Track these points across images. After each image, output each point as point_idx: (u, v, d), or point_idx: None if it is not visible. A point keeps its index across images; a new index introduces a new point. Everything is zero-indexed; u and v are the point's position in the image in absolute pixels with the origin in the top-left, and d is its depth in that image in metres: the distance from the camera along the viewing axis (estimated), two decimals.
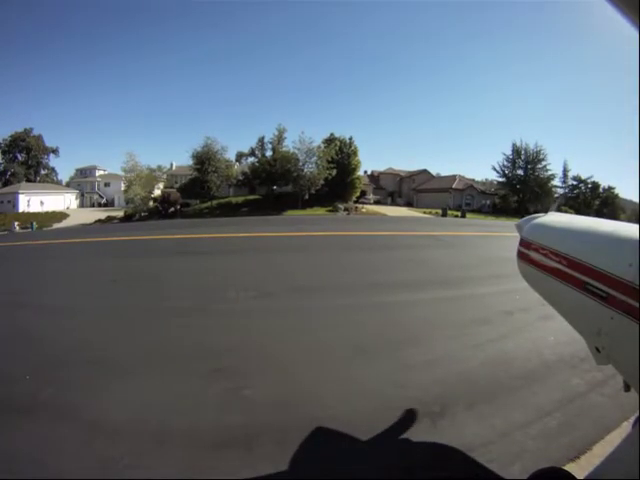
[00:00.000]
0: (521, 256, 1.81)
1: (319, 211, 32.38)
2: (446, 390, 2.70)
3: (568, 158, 63.07)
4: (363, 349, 3.46)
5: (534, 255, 1.67)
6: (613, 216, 36.09)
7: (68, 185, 54.26)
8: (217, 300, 5.16)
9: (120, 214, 33.68)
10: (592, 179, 45.16)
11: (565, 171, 46.36)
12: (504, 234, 13.91)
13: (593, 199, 45.13)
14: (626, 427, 2.15)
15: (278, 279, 6.52)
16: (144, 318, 4.56)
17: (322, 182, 33.37)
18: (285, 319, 4.40)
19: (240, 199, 37.62)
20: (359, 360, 3.24)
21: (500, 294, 5.38)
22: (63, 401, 2.62)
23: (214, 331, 4.03)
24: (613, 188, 45.80)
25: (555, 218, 1.80)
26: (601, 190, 45.99)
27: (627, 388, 1.40)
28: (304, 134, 33.66)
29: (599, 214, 36.59)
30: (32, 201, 40.85)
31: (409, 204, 45.74)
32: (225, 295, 5.36)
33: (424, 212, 34.23)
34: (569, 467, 1.90)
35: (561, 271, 1.44)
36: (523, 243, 1.80)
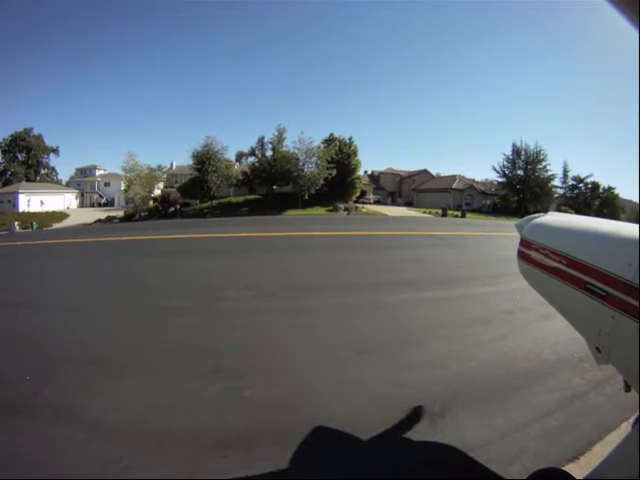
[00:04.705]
0: (521, 256, 1.81)
1: (319, 211, 32.37)
2: (446, 390, 2.70)
3: (568, 158, 63.22)
4: (363, 349, 3.45)
5: (534, 255, 1.67)
6: (613, 216, 36.10)
7: (68, 185, 54.26)
8: (217, 300, 5.15)
9: (120, 214, 33.66)
10: (591, 178, 45.15)
11: (565, 171, 46.41)
12: (504, 234, 13.91)
13: (593, 199, 45.08)
14: (626, 427, 2.15)
15: (278, 279, 6.51)
16: (145, 317, 4.56)
17: (322, 182, 33.39)
18: (285, 319, 4.40)
19: (240, 199, 37.61)
20: (359, 360, 3.24)
21: (500, 293, 5.38)
22: (63, 401, 2.62)
23: (214, 331, 4.03)
24: (613, 188, 45.82)
25: (555, 218, 1.79)
26: (601, 190, 45.94)
27: (627, 388, 1.39)
28: (304, 134, 33.83)
29: (599, 214, 36.57)
30: (32, 201, 40.85)
31: (409, 204, 45.74)
32: (225, 295, 5.36)
33: (424, 212, 34.22)
34: (569, 467, 1.90)
35: (561, 271, 1.44)
36: (523, 243, 1.80)
